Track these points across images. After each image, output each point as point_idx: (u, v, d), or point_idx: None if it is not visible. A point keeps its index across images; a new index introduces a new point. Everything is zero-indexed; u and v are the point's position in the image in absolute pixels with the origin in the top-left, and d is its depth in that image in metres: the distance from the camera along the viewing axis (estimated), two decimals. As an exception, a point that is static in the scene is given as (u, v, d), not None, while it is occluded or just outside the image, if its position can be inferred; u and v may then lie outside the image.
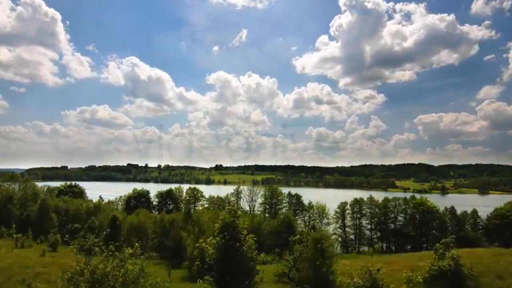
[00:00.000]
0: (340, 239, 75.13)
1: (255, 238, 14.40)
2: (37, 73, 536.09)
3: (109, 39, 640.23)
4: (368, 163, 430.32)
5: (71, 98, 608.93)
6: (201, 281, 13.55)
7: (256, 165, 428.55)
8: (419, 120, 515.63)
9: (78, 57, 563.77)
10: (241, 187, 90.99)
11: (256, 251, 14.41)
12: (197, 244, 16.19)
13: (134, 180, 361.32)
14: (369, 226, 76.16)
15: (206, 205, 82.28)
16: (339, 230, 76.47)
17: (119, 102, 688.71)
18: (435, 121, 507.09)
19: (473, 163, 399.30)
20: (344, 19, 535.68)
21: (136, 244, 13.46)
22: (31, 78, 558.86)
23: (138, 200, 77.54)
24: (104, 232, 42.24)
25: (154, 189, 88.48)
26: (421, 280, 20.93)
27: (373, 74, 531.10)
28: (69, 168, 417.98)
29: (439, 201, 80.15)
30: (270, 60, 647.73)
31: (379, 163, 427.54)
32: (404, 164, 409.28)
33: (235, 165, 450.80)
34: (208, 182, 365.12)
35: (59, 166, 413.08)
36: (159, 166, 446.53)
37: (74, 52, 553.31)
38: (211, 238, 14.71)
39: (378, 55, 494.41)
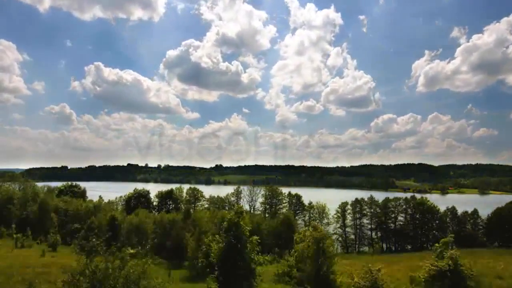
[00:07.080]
0: (340, 239, 75.06)
1: (259, 240, 14.36)
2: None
3: None
4: (368, 163, 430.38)
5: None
6: (207, 283, 13.50)
7: (256, 165, 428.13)
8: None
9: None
10: (241, 187, 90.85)
11: (259, 253, 14.36)
12: (203, 243, 16.15)
13: (134, 180, 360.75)
14: (369, 226, 76.13)
15: (206, 205, 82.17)
16: (339, 230, 76.39)
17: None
18: None
19: (473, 163, 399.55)
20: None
21: (138, 247, 13.48)
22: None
23: (138, 200, 77.43)
24: (106, 235, 42.43)
25: (154, 189, 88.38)
26: (422, 280, 20.91)
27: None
28: (69, 168, 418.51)
29: (439, 201, 80.00)
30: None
31: (379, 163, 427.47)
32: (404, 164, 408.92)
33: (235, 165, 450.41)
34: (208, 182, 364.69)
35: (59, 166, 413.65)
36: (159, 166, 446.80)
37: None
38: (218, 237, 14.67)
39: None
